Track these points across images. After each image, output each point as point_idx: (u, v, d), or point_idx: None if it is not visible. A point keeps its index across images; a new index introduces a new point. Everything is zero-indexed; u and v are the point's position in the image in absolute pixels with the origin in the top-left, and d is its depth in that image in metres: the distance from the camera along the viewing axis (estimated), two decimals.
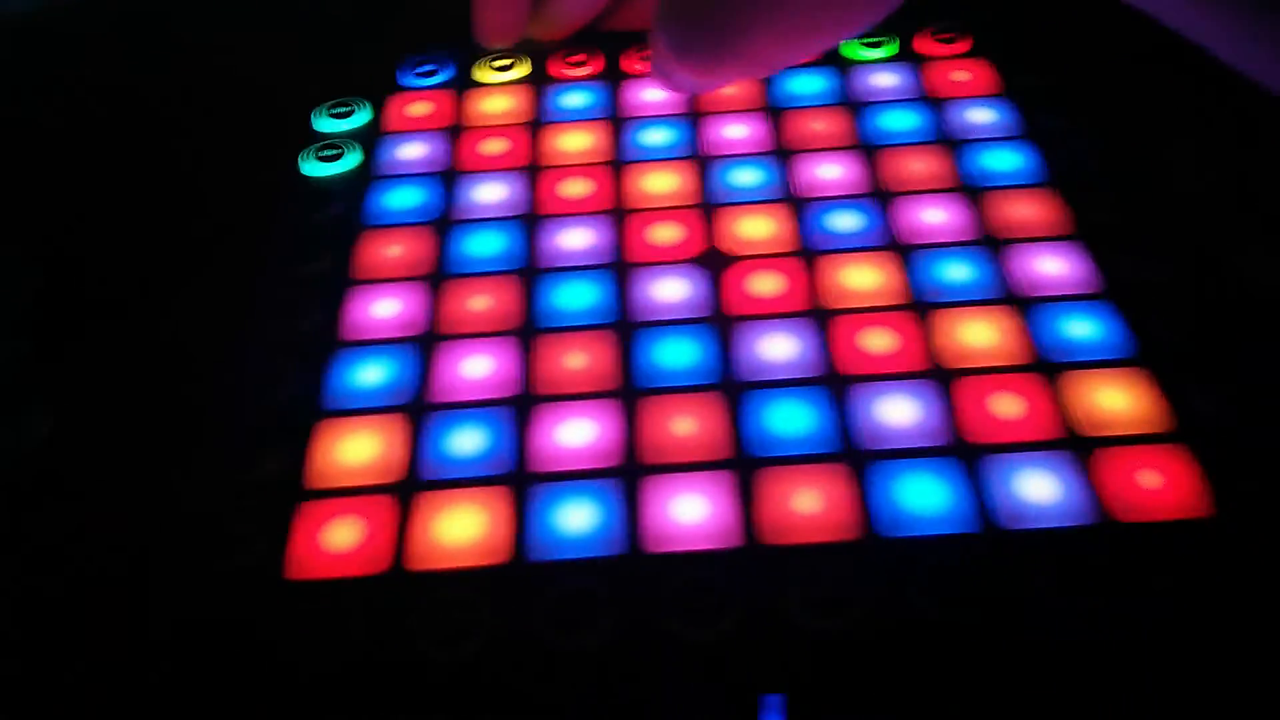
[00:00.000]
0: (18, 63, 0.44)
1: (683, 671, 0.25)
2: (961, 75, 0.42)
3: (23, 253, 0.37)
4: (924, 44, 0.43)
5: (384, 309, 0.34)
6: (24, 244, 0.38)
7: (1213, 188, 0.38)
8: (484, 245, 0.36)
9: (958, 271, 0.34)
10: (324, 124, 0.41)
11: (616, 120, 0.41)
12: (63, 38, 0.45)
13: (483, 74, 0.43)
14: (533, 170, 0.39)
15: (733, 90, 0.41)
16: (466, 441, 0.30)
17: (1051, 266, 0.34)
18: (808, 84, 0.42)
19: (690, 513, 0.28)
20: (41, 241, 0.38)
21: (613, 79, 0.43)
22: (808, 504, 0.28)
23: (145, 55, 0.45)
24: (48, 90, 0.44)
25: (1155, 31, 0.27)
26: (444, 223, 0.37)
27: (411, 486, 0.29)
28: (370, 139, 0.41)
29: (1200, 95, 0.39)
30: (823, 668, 0.25)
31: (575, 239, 0.36)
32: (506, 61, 0.43)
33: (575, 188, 0.38)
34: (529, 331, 0.33)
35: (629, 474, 0.29)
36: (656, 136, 0.40)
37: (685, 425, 0.30)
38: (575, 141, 0.40)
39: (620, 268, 0.35)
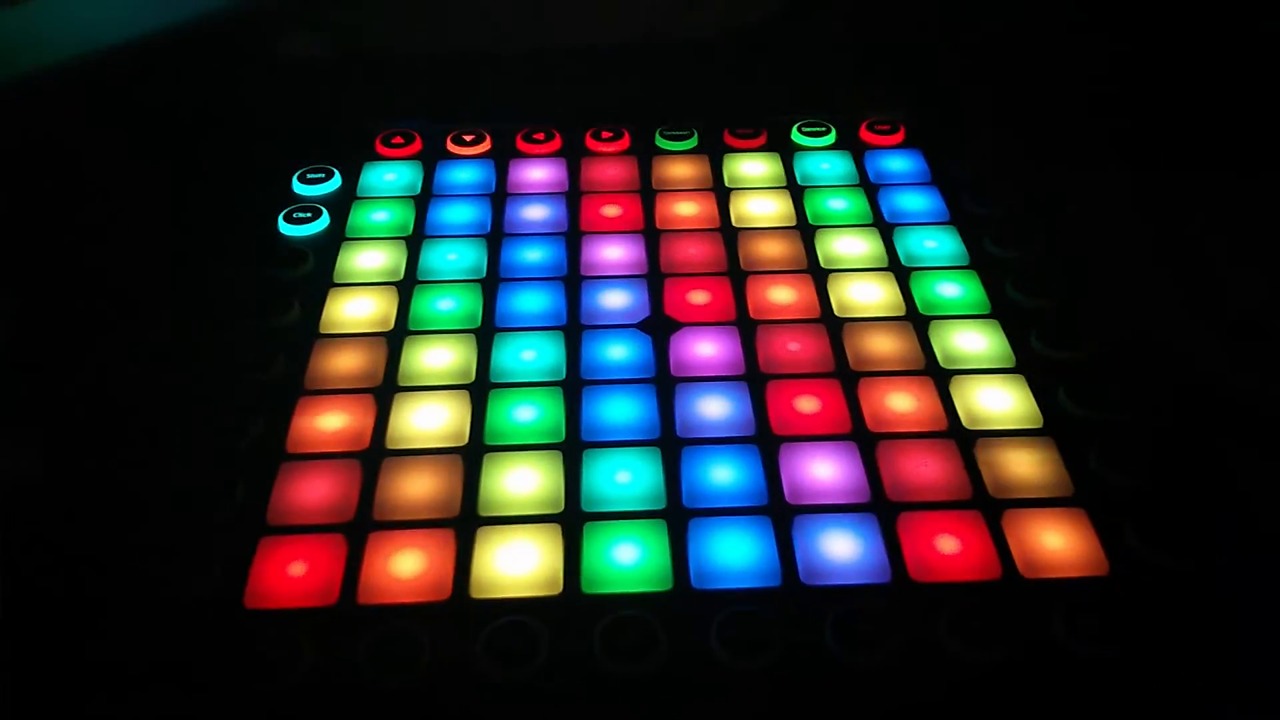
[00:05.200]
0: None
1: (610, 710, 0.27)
2: (897, 163, 0.45)
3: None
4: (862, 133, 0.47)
5: (346, 361, 0.36)
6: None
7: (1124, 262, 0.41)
8: (446, 304, 0.38)
9: (883, 344, 0.37)
10: (298, 188, 0.44)
11: (576, 193, 0.44)
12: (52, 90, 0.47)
13: (452, 147, 0.46)
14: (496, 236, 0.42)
15: (685, 172, 0.44)
16: (416, 487, 0.32)
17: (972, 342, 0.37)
18: (754, 166, 0.45)
19: (627, 556, 0.30)
20: (16, 283, 0.39)
21: (573, 156, 0.46)
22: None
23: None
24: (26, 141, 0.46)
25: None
26: (408, 283, 0.39)
27: (364, 527, 0.31)
28: (342, 204, 0.43)
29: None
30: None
31: (532, 302, 0.39)
32: (471, 136, 0.46)
33: (534, 254, 0.41)
34: (482, 385, 0.35)
35: (571, 519, 0.31)
36: (611, 210, 0.43)
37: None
38: (535, 212, 0.43)
39: (571, 331, 0.37)
